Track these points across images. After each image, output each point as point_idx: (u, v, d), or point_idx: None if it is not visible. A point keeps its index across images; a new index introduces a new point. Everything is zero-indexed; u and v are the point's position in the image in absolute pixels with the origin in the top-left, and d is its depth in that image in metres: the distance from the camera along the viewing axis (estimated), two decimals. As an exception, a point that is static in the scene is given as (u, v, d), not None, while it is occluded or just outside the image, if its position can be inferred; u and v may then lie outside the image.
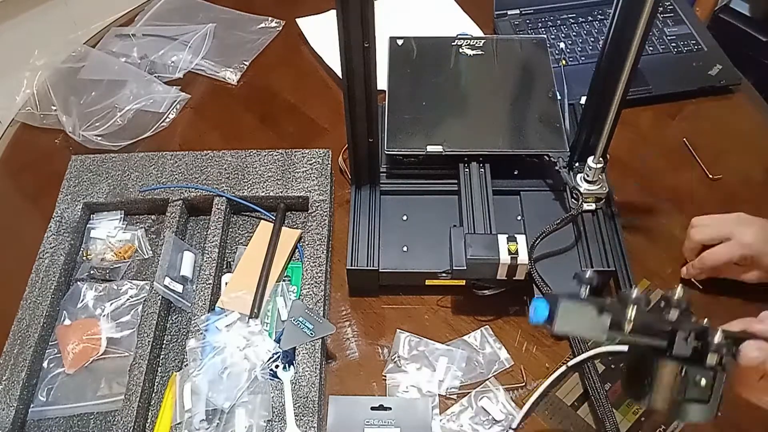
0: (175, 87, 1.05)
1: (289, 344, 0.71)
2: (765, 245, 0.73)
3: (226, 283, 0.79)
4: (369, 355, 0.76)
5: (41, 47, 1.08)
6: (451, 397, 0.73)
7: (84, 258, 0.84)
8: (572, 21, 1.10)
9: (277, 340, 0.73)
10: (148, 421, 0.71)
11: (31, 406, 0.72)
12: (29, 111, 1.02)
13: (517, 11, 1.12)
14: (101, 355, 0.75)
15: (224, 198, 0.84)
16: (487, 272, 0.73)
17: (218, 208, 0.83)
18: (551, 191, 0.83)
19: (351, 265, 0.77)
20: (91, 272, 0.82)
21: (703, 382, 0.48)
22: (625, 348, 0.63)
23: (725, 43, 1.04)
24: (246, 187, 0.85)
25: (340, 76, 0.70)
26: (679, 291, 0.49)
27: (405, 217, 0.82)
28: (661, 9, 1.09)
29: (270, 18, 1.16)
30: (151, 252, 0.84)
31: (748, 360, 0.49)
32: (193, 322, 0.74)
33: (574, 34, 1.08)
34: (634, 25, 0.64)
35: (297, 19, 1.14)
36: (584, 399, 0.72)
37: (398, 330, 0.77)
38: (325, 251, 0.79)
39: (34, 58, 1.07)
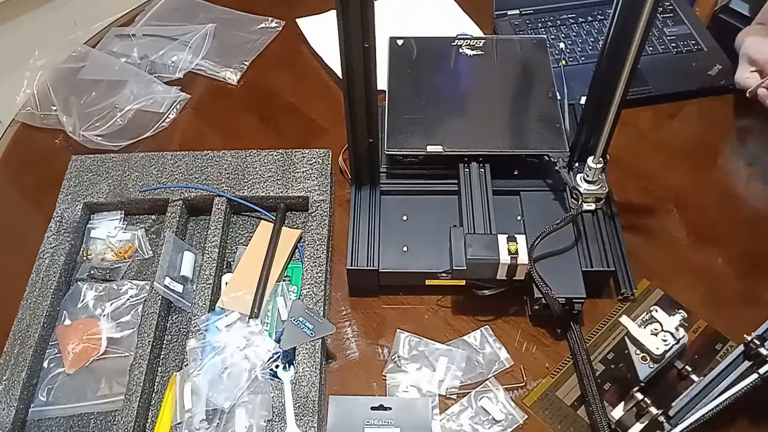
0: (175, 87, 1.05)
1: (289, 344, 0.71)
2: None
3: (226, 283, 0.79)
4: (369, 355, 0.76)
5: (41, 47, 1.08)
6: (451, 397, 0.73)
7: (84, 258, 0.84)
8: (572, 21, 1.10)
9: (277, 340, 0.73)
10: (148, 421, 0.71)
11: (32, 406, 0.72)
12: (29, 111, 1.02)
13: (517, 11, 1.12)
14: (101, 355, 0.75)
15: (224, 198, 0.84)
16: (487, 272, 0.73)
17: (218, 208, 0.83)
18: (551, 191, 0.83)
19: (351, 265, 0.77)
20: (92, 272, 0.82)
21: None
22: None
23: (725, 43, 1.04)
24: (246, 187, 0.85)
25: (340, 76, 0.70)
26: None
27: (405, 217, 0.82)
28: (661, 9, 1.09)
29: (270, 18, 1.16)
30: (151, 252, 0.84)
31: None
32: (193, 322, 0.74)
33: (574, 34, 1.08)
34: (634, 25, 0.64)
35: (297, 19, 1.14)
36: (584, 399, 0.72)
37: (398, 330, 0.77)
38: (325, 251, 0.79)
39: (34, 58, 1.07)
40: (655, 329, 0.62)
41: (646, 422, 0.64)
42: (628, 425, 0.65)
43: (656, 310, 0.63)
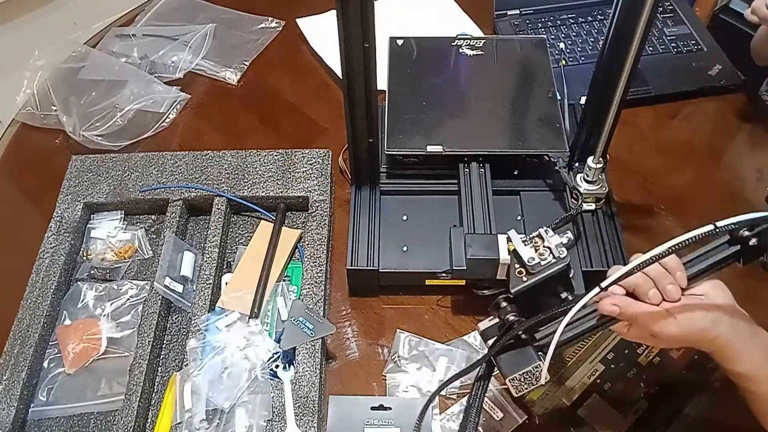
0: (175, 87, 1.05)
1: (289, 344, 0.71)
2: None
3: (227, 283, 0.79)
4: (369, 355, 0.76)
5: (41, 47, 1.08)
6: (451, 397, 0.73)
7: (84, 258, 0.84)
8: (572, 21, 1.10)
9: (277, 340, 0.73)
10: (148, 420, 0.71)
11: (32, 405, 0.72)
12: (29, 111, 1.02)
13: (517, 11, 1.12)
14: (101, 355, 0.75)
15: (224, 198, 0.84)
16: (487, 272, 0.72)
17: (218, 208, 0.83)
18: (551, 191, 0.83)
19: (351, 265, 0.77)
20: (92, 272, 0.82)
21: None
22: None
23: (725, 43, 1.04)
24: (246, 187, 0.85)
25: (340, 76, 0.70)
26: None
27: (405, 217, 0.82)
28: (661, 9, 1.09)
29: (270, 18, 1.16)
30: (151, 252, 0.84)
31: (608, 312, 0.56)
32: (193, 322, 0.74)
33: (574, 34, 1.08)
34: (634, 25, 0.64)
35: (297, 19, 1.14)
36: (583, 399, 0.72)
37: (398, 330, 0.77)
38: (325, 251, 0.79)
39: (35, 58, 1.07)
40: (538, 245, 0.61)
41: (505, 327, 0.61)
42: (490, 335, 0.62)
43: (546, 231, 0.62)
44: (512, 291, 0.61)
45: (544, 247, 0.61)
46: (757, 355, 0.55)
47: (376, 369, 0.75)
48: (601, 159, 0.77)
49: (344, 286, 0.81)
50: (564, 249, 0.61)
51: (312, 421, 0.67)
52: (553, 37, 1.08)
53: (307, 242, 0.80)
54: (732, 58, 1.02)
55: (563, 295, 0.62)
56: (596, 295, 0.54)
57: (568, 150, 0.82)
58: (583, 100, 0.83)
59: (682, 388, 0.73)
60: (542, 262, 0.60)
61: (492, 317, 0.63)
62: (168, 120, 1.01)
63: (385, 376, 0.74)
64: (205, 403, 0.68)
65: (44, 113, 1.02)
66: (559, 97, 0.88)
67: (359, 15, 0.63)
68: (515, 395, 0.60)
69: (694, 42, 1.05)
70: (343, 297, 0.81)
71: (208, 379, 0.69)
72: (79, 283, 0.81)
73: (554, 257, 0.60)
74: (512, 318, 0.60)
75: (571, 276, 0.63)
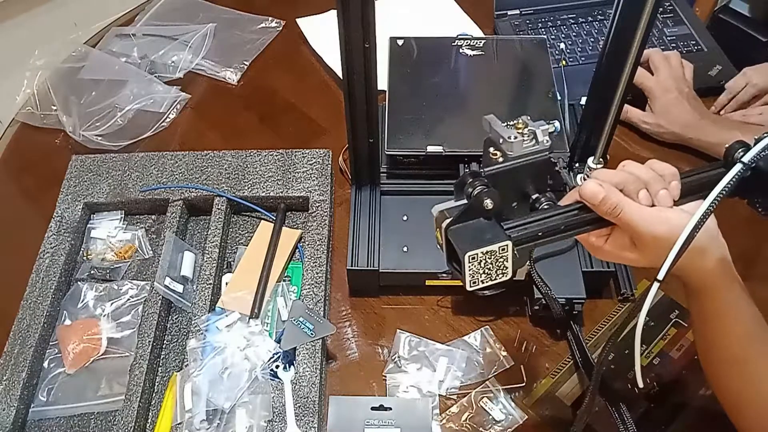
0: (175, 87, 1.05)
1: (290, 344, 0.71)
2: None
3: (227, 283, 0.79)
4: (369, 355, 0.76)
5: (41, 47, 1.08)
6: (451, 397, 0.73)
7: (84, 258, 0.84)
8: (572, 21, 1.10)
9: (278, 340, 0.73)
10: (149, 421, 0.71)
11: (32, 406, 0.72)
12: (29, 111, 1.02)
13: (517, 11, 1.12)
14: (102, 355, 0.75)
15: (224, 198, 0.84)
16: (487, 272, 0.73)
17: (218, 208, 0.83)
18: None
19: (351, 266, 0.77)
20: (92, 272, 0.82)
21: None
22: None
23: (725, 43, 1.04)
24: (246, 187, 0.85)
25: (340, 76, 0.70)
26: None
27: (405, 218, 0.82)
28: (661, 9, 1.09)
29: (270, 18, 1.16)
30: (151, 252, 0.84)
31: (590, 194, 0.52)
32: (193, 322, 0.74)
33: (574, 34, 1.08)
34: (635, 25, 0.64)
35: (297, 19, 1.14)
36: (583, 399, 0.72)
37: (398, 330, 0.77)
38: (325, 251, 0.79)
39: (34, 58, 1.07)
40: (520, 129, 0.55)
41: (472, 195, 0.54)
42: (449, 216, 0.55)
43: (529, 118, 0.56)
44: (485, 171, 0.54)
45: (528, 130, 0.54)
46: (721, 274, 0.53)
47: (376, 369, 0.75)
48: (601, 159, 0.77)
49: (344, 286, 0.81)
50: (548, 138, 0.54)
51: (312, 421, 0.67)
52: (553, 37, 1.08)
53: (307, 242, 0.80)
54: (732, 58, 1.02)
55: (534, 196, 0.56)
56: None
57: (568, 150, 0.82)
58: (583, 100, 0.83)
59: (682, 388, 0.73)
60: (524, 144, 0.54)
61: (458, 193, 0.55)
62: (168, 120, 1.01)
63: (386, 377, 0.74)
64: (205, 403, 0.68)
65: (44, 113, 1.02)
66: (559, 98, 0.88)
67: (359, 15, 0.62)
68: (468, 288, 0.51)
69: (694, 42, 1.05)
70: (343, 297, 0.81)
71: (208, 379, 0.69)
72: (79, 283, 0.81)
73: (537, 142, 0.54)
74: (481, 189, 0.51)
75: (556, 169, 0.57)
